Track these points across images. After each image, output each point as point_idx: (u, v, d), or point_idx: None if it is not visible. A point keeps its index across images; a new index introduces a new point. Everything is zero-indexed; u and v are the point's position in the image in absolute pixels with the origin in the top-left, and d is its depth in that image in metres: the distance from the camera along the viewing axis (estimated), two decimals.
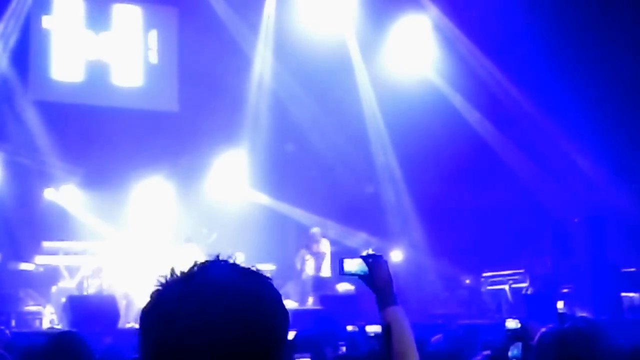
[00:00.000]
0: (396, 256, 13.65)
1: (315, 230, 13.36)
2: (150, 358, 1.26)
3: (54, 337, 3.73)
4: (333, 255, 12.99)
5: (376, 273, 2.74)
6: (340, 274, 2.84)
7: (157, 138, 14.27)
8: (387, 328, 2.59)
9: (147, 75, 15.22)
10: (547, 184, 13.67)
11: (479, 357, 4.26)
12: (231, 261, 1.34)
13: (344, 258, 2.84)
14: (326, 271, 13.01)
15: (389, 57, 15.14)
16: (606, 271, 11.73)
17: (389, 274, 2.73)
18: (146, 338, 1.27)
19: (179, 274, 1.30)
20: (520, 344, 3.88)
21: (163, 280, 1.30)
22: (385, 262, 2.80)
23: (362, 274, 2.77)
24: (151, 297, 1.30)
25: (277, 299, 1.32)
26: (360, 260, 2.80)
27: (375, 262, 2.78)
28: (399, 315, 2.63)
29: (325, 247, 13.19)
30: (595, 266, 11.84)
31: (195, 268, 1.31)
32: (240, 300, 1.26)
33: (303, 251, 13.38)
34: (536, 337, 4.45)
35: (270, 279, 1.34)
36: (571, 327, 4.54)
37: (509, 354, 3.79)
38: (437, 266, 13.90)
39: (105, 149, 13.81)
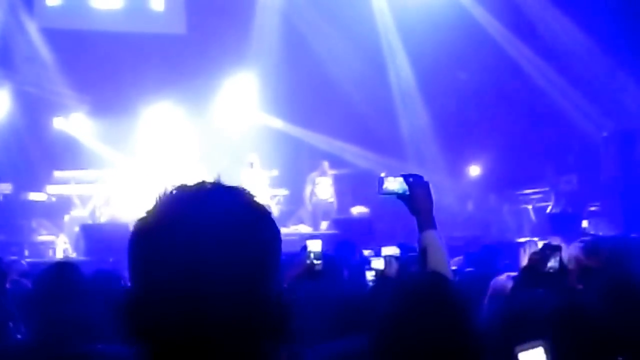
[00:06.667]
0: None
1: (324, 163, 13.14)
2: (138, 282, 1.29)
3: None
4: (349, 176, 12.69)
5: (418, 194, 2.67)
6: (379, 193, 2.71)
7: (164, 62, 13.87)
8: (423, 251, 2.57)
9: None
10: (574, 98, 13.11)
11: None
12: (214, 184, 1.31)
13: (385, 176, 2.71)
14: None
15: None
16: (637, 187, 11.24)
17: (430, 196, 2.68)
18: (135, 262, 1.32)
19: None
20: (558, 257, 3.65)
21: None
22: (427, 183, 2.72)
23: (402, 193, 2.67)
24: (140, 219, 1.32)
25: (259, 214, 1.28)
26: (401, 179, 2.69)
27: (417, 182, 2.70)
28: (436, 239, 2.60)
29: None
30: (626, 182, 11.36)
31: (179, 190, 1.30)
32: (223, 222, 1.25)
33: (314, 174, 13.10)
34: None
35: (253, 196, 1.29)
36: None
37: (548, 264, 3.59)
38: (456, 187, 13.52)
39: (113, 76, 13.49)
